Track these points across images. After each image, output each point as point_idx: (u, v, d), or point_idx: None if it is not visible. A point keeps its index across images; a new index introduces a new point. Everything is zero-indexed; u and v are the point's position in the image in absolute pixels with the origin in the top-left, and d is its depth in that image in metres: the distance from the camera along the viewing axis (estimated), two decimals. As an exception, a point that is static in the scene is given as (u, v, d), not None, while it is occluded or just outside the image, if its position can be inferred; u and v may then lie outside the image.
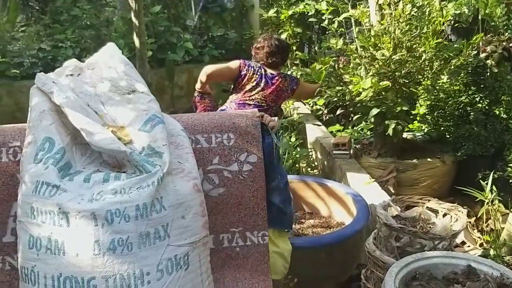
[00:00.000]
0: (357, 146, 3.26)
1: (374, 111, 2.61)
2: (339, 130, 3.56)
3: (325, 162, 3.27)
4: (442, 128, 3.09)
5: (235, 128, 1.49)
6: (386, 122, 2.65)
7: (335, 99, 2.72)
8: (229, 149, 1.46)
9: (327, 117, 3.86)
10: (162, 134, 1.27)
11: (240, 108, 3.57)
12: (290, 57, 4.28)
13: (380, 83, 2.44)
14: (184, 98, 4.82)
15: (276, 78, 3.50)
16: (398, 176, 2.89)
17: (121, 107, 1.36)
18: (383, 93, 2.52)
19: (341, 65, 3.79)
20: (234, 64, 3.57)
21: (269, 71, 3.51)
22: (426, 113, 3.20)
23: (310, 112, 4.02)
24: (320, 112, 3.88)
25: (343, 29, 3.72)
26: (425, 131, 3.25)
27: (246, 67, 3.52)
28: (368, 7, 3.16)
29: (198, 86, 3.60)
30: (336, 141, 3.07)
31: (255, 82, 3.50)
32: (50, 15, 4.61)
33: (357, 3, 3.88)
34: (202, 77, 3.55)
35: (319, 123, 3.62)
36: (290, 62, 4.29)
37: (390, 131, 2.62)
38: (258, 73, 3.53)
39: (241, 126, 1.49)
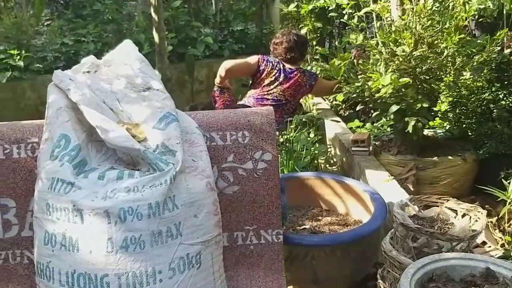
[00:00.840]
0: (376, 143, 3.22)
1: (394, 107, 2.57)
2: (358, 126, 3.52)
3: (344, 159, 3.24)
4: (464, 125, 3.03)
5: (250, 126, 1.48)
6: (406, 119, 2.61)
7: (354, 95, 2.69)
8: (243, 147, 1.46)
9: (347, 113, 3.82)
10: (176, 132, 1.27)
11: (258, 103, 3.56)
12: (310, 52, 4.25)
13: (400, 80, 2.40)
14: (204, 92, 4.83)
15: (295, 73, 3.48)
16: (417, 174, 2.84)
17: (137, 104, 1.37)
18: (403, 89, 2.48)
19: (353, 58, 3.75)
20: (252, 59, 3.56)
21: (287, 66, 3.50)
22: (448, 110, 3.14)
23: (329, 107, 3.98)
24: (340, 107, 3.85)
25: (363, 24, 3.68)
26: (447, 128, 3.19)
27: (265, 62, 3.51)
28: (389, 1, 3.12)
29: (217, 80, 3.62)
30: (355, 137, 3.03)
31: (273, 77, 3.49)
32: (72, 10, 4.66)
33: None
34: (221, 71, 3.56)
35: (338, 119, 3.59)
36: (310, 57, 4.25)
37: (410, 128, 2.57)
38: (277, 68, 3.52)
39: (256, 124, 1.49)
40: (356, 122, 3.56)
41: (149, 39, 4.45)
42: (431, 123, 3.13)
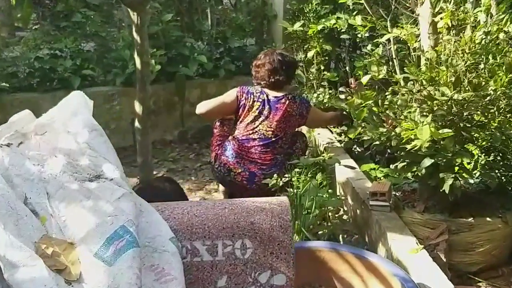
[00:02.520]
0: (397, 194, 2.73)
1: (427, 161, 2.08)
2: (373, 169, 3.02)
3: (358, 211, 2.74)
4: (503, 178, 2.54)
5: (254, 231, 0.98)
6: (441, 175, 2.12)
7: (377, 142, 2.20)
8: (243, 265, 0.95)
9: (359, 149, 3.33)
10: (131, 271, 0.75)
11: (244, 145, 3.04)
12: (317, 77, 3.76)
13: (440, 131, 1.91)
14: (195, 116, 4.27)
15: (282, 100, 3.00)
16: (450, 239, 2.35)
17: (76, 204, 0.86)
18: (442, 141, 1.99)
19: (352, 89, 3.26)
20: (230, 96, 3.11)
21: (272, 94, 3.01)
22: (481, 156, 2.65)
23: (336, 142, 3.48)
24: (351, 145, 3.35)
25: (377, 52, 3.19)
26: (480, 179, 2.70)
27: (244, 95, 3.04)
28: (417, 26, 2.64)
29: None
30: (374, 189, 2.53)
31: (257, 111, 3.00)
32: (50, 21, 4.15)
33: (399, 19, 3.34)
34: (200, 113, 3.18)
35: (353, 163, 3.08)
36: (317, 83, 3.76)
37: (446, 188, 2.08)
38: (260, 100, 3.03)
39: (262, 229, 0.98)
40: (371, 165, 3.07)
41: (133, 58, 3.93)
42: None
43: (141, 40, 2.42)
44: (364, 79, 2.58)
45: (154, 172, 3.64)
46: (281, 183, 2.67)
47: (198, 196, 3.34)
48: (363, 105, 2.25)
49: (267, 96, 3.04)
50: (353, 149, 3.35)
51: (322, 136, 3.57)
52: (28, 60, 3.82)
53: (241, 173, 3.02)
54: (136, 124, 2.56)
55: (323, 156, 2.62)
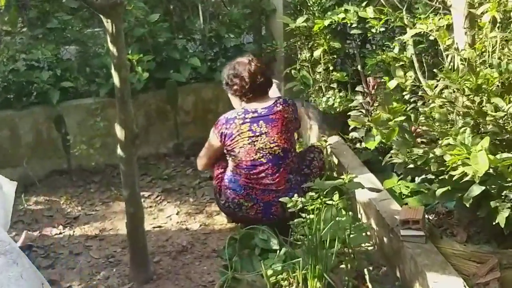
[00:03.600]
0: (430, 218, 2.34)
1: (476, 189, 1.70)
2: (398, 185, 2.63)
3: (385, 239, 2.35)
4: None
5: None
6: (492, 204, 1.73)
7: (411, 165, 1.81)
8: None
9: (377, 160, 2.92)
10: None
11: (251, 173, 2.64)
12: (325, 78, 3.35)
13: (498, 156, 1.52)
14: (191, 125, 3.92)
15: (275, 108, 2.65)
16: (502, 275, 1.97)
17: None
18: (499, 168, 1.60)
19: (371, 89, 2.86)
20: (212, 137, 2.76)
21: (260, 106, 2.63)
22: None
23: (350, 151, 3.09)
24: (364, 154, 2.95)
25: (396, 44, 2.78)
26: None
27: (224, 126, 2.65)
28: (447, 18, 2.22)
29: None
30: (405, 216, 2.14)
31: (250, 132, 2.61)
32: (28, 28, 3.72)
33: (414, 9, 2.93)
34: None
35: (371, 176, 2.69)
36: (325, 86, 3.35)
37: (501, 221, 1.70)
38: (247, 119, 2.64)
39: None
40: (394, 179, 2.68)
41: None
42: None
43: (118, 52, 2.01)
44: (392, 84, 2.17)
45: (148, 194, 3.26)
46: (300, 205, 2.28)
47: (198, 221, 2.95)
48: (392, 120, 1.84)
49: (254, 111, 2.64)
50: (370, 159, 2.95)
51: (333, 145, 3.17)
52: (3, 73, 3.39)
53: (253, 206, 2.63)
54: (119, 151, 2.15)
55: (343, 179, 2.23)
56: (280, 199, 2.38)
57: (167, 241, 2.73)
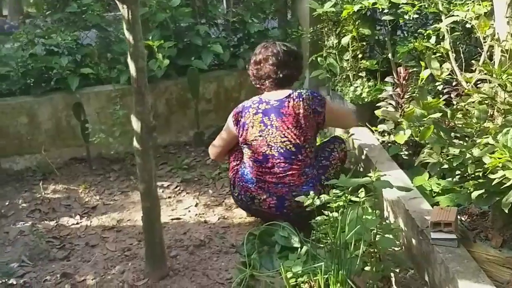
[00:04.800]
0: (462, 219, 2.19)
1: (518, 194, 1.55)
2: (428, 182, 2.47)
3: (414, 241, 2.20)
4: None
5: None
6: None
7: (445, 166, 1.66)
8: None
9: (406, 153, 2.76)
10: None
11: (263, 166, 2.53)
12: (354, 67, 3.19)
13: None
14: (212, 113, 3.82)
15: (285, 103, 2.49)
16: (542, 287, 1.81)
17: None
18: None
19: (402, 80, 2.68)
20: (228, 124, 2.66)
21: (274, 98, 2.49)
22: None
23: (378, 145, 2.93)
24: (393, 148, 2.79)
25: (431, 32, 2.60)
26: None
27: (239, 113, 2.53)
28: (485, 5, 2.04)
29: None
30: (437, 218, 1.99)
31: (261, 124, 2.48)
32: (49, 11, 3.65)
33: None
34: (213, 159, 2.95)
35: (400, 173, 2.54)
36: (353, 74, 3.19)
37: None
38: (260, 110, 2.51)
39: None
40: (424, 176, 2.52)
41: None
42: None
43: (135, 40, 1.90)
44: (425, 73, 2.01)
45: (167, 184, 3.18)
46: (317, 203, 2.16)
47: (217, 214, 2.85)
48: (427, 117, 1.69)
49: (267, 103, 2.51)
50: (400, 153, 2.78)
51: (360, 137, 3.02)
52: (21, 59, 3.34)
53: (266, 199, 2.52)
54: (135, 143, 2.06)
55: (370, 177, 2.08)
56: (296, 198, 2.25)
57: (184, 235, 2.65)
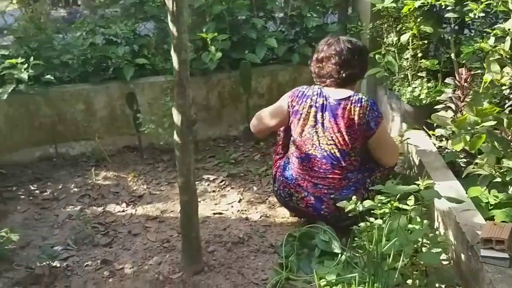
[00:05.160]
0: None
1: None
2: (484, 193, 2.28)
3: (463, 256, 2.04)
4: None
5: None
6: None
7: (498, 179, 1.49)
8: None
9: (464, 161, 2.57)
10: None
11: (304, 164, 2.45)
12: (413, 67, 3.01)
13: None
14: (264, 107, 3.75)
15: (342, 104, 2.35)
16: None
17: None
18: None
19: (463, 82, 2.48)
20: (281, 102, 2.56)
21: (334, 96, 2.35)
22: None
23: (433, 146, 2.76)
24: (449, 154, 2.60)
25: (497, 32, 2.38)
26: None
27: (297, 99, 2.41)
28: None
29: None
30: (488, 234, 1.83)
31: (313, 120, 2.37)
32: (107, 2, 3.74)
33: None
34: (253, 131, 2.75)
35: (455, 184, 2.36)
36: (412, 74, 3.01)
37: None
38: (317, 104, 2.39)
39: None
40: (480, 187, 2.33)
41: (194, 42, 3.43)
42: None
43: (178, 32, 1.88)
44: (488, 76, 1.84)
45: (212, 178, 3.17)
46: (360, 208, 2.05)
47: (259, 211, 2.80)
48: (480, 125, 1.53)
49: (326, 99, 2.40)
50: (456, 160, 2.60)
51: (415, 141, 2.85)
52: (82, 47, 3.44)
53: (304, 198, 2.44)
54: (175, 137, 2.04)
55: (418, 185, 1.95)
56: (338, 204, 2.15)
57: (224, 230, 2.62)
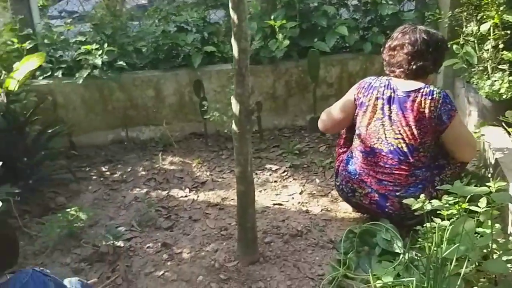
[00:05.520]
0: None
1: None
2: None
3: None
4: None
5: None
6: None
7: None
8: None
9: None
10: None
11: (369, 159, 2.34)
12: (493, 59, 2.79)
13: None
14: (332, 98, 3.65)
15: (412, 97, 2.19)
16: None
17: None
18: None
19: None
20: (348, 96, 2.47)
21: (403, 88, 2.20)
22: None
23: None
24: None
25: None
26: None
27: (363, 91, 2.29)
28: None
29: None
30: None
31: (380, 112, 2.24)
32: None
33: None
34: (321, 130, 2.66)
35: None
36: (492, 66, 2.79)
37: None
38: (384, 96, 2.25)
39: None
40: None
41: (262, 29, 3.40)
42: None
43: (239, 20, 1.85)
44: None
45: (275, 168, 3.14)
46: (428, 208, 1.94)
47: (320, 205, 2.74)
48: None
49: (394, 91, 2.27)
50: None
51: (492, 138, 2.65)
52: (154, 35, 3.53)
53: (368, 194, 2.34)
54: (233, 126, 2.03)
55: (489, 186, 1.80)
56: (404, 201, 2.04)
57: (283, 222, 2.59)
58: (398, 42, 2.34)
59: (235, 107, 1.99)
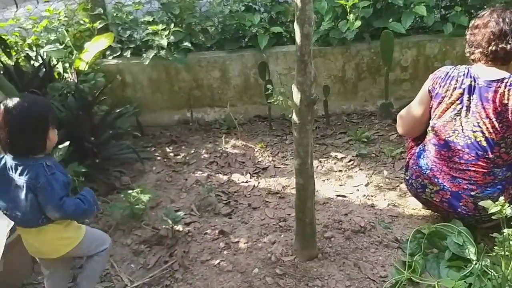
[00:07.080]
0: None
1: None
2: None
3: None
4: None
5: None
6: None
7: None
8: None
9: None
10: None
11: (443, 153, 2.12)
12: None
13: None
14: (406, 83, 3.44)
15: (495, 87, 1.94)
16: None
17: None
18: None
19: None
20: (423, 90, 2.23)
21: (484, 77, 1.95)
22: None
23: None
24: None
25: None
26: None
27: (439, 81, 2.05)
28: None
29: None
30: None
31: (459, 102, 2.00)
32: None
33: None
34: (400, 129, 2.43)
35: None
36: None
37: None
38: (463, 85, 2.01)
39: None
40: None
41: (333, 9, 3.21)
42: None
43: (302, 3, 1.71)
44: None
45: (340, 156, 2.99)
46: (508, 212, 1.74)
47: (387, 199, 2.57)
48: None
49: (474, 79, 2.02)
50: None
51: None
52: (221, 14, 3.46)
53: (439, 191, 2.15)
54: (293, 116, 1.92)
55: None
56: (480, 203, 1.84)
57: (345, 216, 2.45)
58: (483, 20, 2.08)
59: (296, 95, 1.87)
